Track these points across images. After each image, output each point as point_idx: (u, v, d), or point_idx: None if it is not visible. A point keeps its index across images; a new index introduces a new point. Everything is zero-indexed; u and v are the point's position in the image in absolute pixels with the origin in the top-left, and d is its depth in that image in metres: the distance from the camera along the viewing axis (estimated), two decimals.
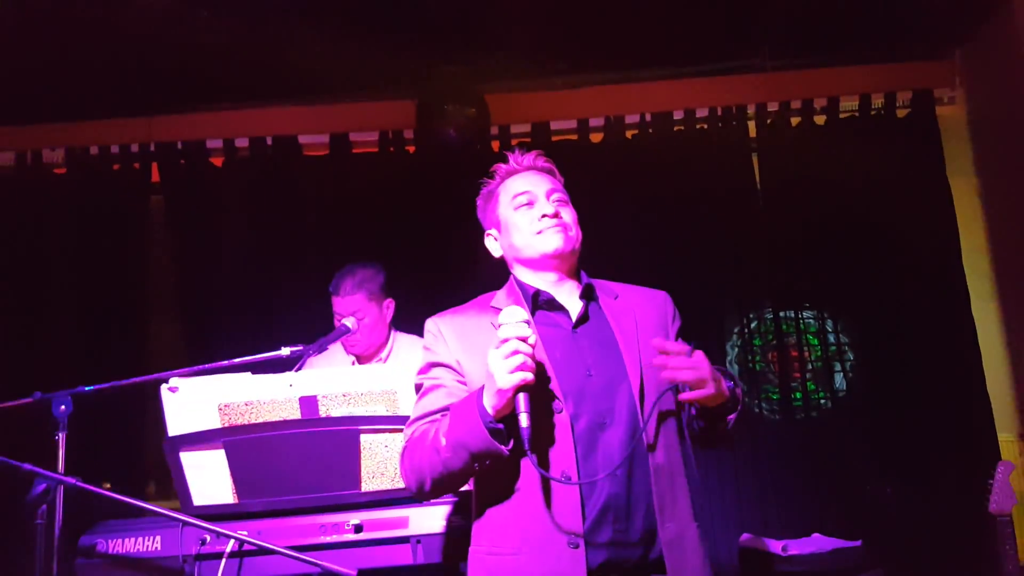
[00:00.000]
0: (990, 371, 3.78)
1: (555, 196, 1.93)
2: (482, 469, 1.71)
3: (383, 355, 3.13)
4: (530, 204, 1.92)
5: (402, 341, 3.12)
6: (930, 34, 3.95)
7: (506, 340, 1.64)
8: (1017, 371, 3.86)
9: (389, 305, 3.14)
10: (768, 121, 4.05)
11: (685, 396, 1.69)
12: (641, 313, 1.89)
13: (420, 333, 1.96)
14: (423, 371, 1.89)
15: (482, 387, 1.69)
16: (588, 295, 1.90)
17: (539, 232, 1.88)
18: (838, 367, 3.83)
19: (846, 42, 3.94)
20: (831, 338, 3.84)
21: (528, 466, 1.70)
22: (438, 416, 1.79)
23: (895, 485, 3.64)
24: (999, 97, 3.86)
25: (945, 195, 3.92)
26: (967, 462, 3.51)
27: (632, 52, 3.95)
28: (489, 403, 1.65)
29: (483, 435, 1.64)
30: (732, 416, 1.77)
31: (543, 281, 1.91)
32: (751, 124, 4.06)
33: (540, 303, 1.87)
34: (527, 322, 1.68)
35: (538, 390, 1.70)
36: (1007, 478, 2.83)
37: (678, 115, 4.06)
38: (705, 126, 4.06)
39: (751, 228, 3.93)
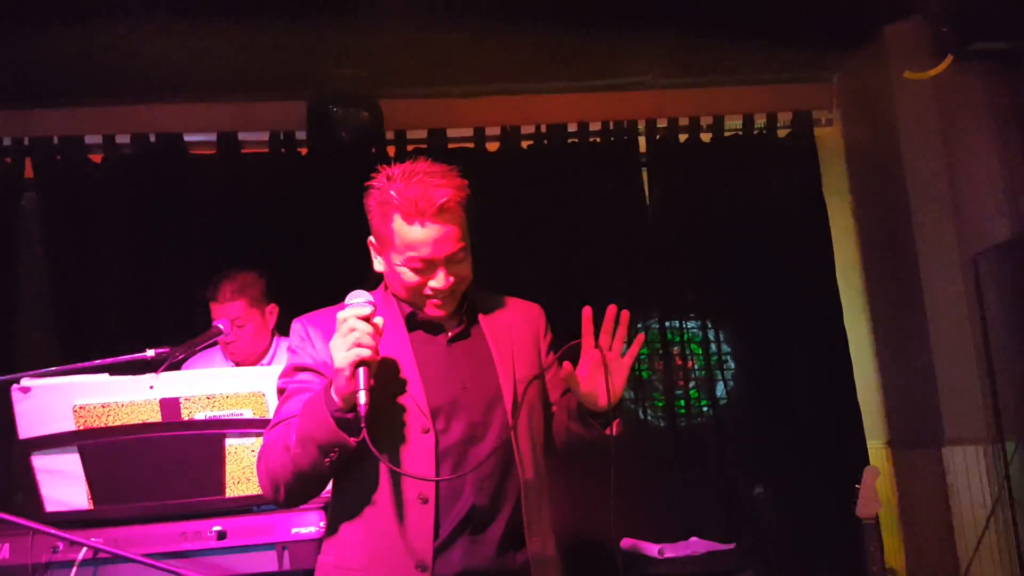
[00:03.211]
0: (861, 381, 3.95)
1: (456, 258, 1.72)
2: (335, 470, 1.65)
3: (265, 362, 3.05)
4: (425, 268, 1.71)
5: (285, 347, 3.05)
6: (811, 57, 4.11)
7: (345, 321, 1.60)
8: (886, 382, 4.05)
9: (272, 311, 3.07)
10: (657, 137, 4.15)
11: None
12: (516, 328, 1.87)
13: None
14: (286, 374, 1.79)
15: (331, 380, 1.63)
16: (467, 313, 1.84)
17: (426, 295, 1.75)
18: (719, 376, 3.94)
19: (732, 62, 4.07)
20: (713, 348, 3.96)
21: (384, 482, 1.67)
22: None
23: (769, 489, 3.77)
24: (870, 120, 4.06)
25: (821, 212, 4.09)
26: (837, 468, 3.66)
27: (529, 65, 3.99)
28: (334, 390, 1.59)
29: (328, 424, 1.58)
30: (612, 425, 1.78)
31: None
32: (642, 139, 4.16)
33: (418, 322, 1.81)
34: (370, 304, 1.63)
35: (406, 408, 1.68)
36: (873, 483, 2.94)
37: (572, 128, 4.12)
38: (598, 139, 4.14)
39: (640, 239, 4.02)
